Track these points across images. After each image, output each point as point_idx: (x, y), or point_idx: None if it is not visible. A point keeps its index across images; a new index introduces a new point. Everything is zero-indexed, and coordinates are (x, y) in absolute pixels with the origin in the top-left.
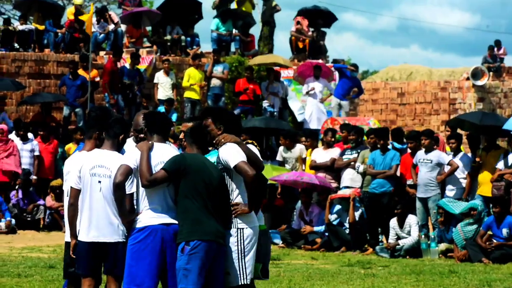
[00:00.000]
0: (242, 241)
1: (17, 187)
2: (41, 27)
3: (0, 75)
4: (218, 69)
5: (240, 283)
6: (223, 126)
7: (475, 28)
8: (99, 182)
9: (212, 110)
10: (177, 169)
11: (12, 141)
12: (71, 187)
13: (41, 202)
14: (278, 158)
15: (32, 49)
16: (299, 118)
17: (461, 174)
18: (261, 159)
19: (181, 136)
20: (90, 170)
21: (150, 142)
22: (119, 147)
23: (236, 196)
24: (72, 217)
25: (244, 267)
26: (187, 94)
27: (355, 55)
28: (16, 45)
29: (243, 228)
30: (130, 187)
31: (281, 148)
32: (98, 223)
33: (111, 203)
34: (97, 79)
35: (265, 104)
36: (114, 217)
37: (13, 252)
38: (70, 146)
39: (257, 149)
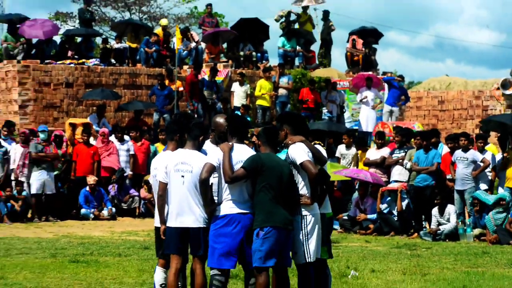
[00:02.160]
0: (305, 226)
1: (113, 182)
2: (134, 45)
3: (99, 86)
4: (284, 80)
5: (305, 261)
6: (293, 128)
7: (502, 45)
8: (182, 176)
9: (285, 116)
10: (254, 167)
11: (112, 142)
12: (159, 181)
13: (136, 193)
14: (337, 154)
15: (126, 64)
16: (347, 125)
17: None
18: (326, 156)
19: (254, 138)
20: (175, 166)
21: (230, 143)
22: (199, 147)
23: (302, 188)
24: (161, 206)
25: (308, 247)
26: (259, 102)
27: (400, 68)
28: (113, 60)
29: (306, 215)
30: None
31: (340, 146)
32: (182, 211)
33: (193, 194)
34: (181, 89)
35: (324, 110)
36: (196, 206)
37: (114, 236)
38: (158, 145)
39: (323, 148)
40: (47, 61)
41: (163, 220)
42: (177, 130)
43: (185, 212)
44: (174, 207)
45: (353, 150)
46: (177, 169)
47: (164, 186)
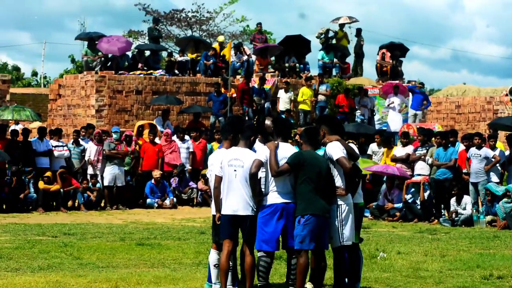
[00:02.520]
0: (340, 214)
1: (174, 176)
2: (193, 56)
3: (165, 93)
4: (323, 88)
5: (340, 245)
6: (330, 129)
7: (509, 57)
8: (235, 171)
9: (323, 118)
10: (296, 163)
11: (174, 141)
12: (215, 174)
13: (194, 185)
14: (369, 152)
15: (188, 74)
16: (377, 127)
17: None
18: (358, 153)
19: (297, 137)
20: (229, 162)
21: (276, 142)
22: (250, 146)
23: (337, 180)
24: (217, 196)
25: (342, 233)
26: (301, 106)
27: (422, 77)
28: (176, 71)
29: (341, 204)
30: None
31: (372, 145)
32: (235, 201)
33: (245, 186)
34: (234, 95)
35: (357, 113)
36: (247, 197)
37: (174, 222)
38: (214, 144)
39: (355, 146)
40: (121, 72)
41: (219, 209)
42: (230, 131)
43: (238, 202)
44: (227, 197)
45: (383, 148)
46: (231, 164)
47: (219, 179)
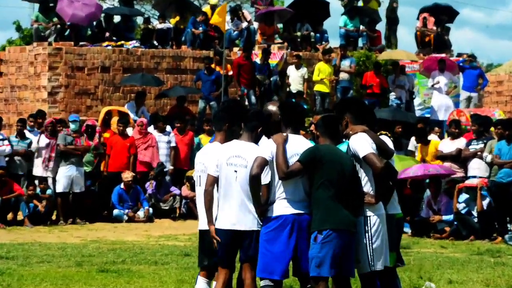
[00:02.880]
0: (369, 228)
1: (151, 179)
2: (174, 21)
3: (139, 71)
4: (346, 63)
5: (369, 270)
6: (355, 116)
7: None
8: (235, 171)
9: (347, 102)
10: (312, 161)
11: (151, 134)
12: (208, 174)
13: (177, 191)
14: (410, 147)
15: (170, 46)
16: (418, 113)
17: None
18: (393, 148)
19: (312, 127)
20: (227, 160)
21: (284, 134)
22: (257, 140)
23: (365, 184)
24: (209, 202)
25: (372, 254)
26: (317, 87)
27: (475, 49)
28: (155, 42)
29: (369, 216)
30: (266, 178)
31: (413, 138)
32: (234, 212)
33: (248, 192)
34: (231, 73)
35: (392, 96)
36: (250, 206)
37: (150, 241)
38: (202, 137)
39: (390, 139)
40: (82, 43)
41: (211, 219)
42: (226, 119)
43: (238, 213)
44: (225, 206)
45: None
46: (230, 163)
47: (213, 180)
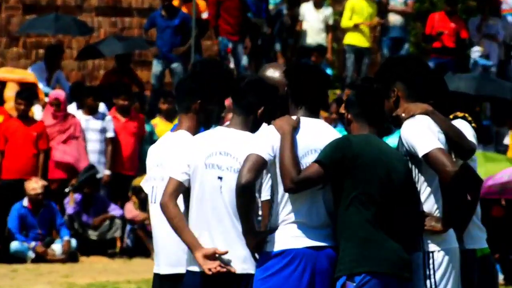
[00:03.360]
0: (432, 270)
1: (68, 190)
2: None
3: (52, 10)
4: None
5: None
6: (410, 88)
7: None
8: (219, 178)
9: (397, 64)
10: (339, 162)
11: (74, 116)
12: (170, 177)
13: (117, 212)
14: (506, 141)
15: None
16: None
17: None
18: (474, 142)
19: (341, 109)
20: (207, 159)
21: (294, 117)
22: (255, 127)
23: (425, 199)
24: (178, 223)
25: None
26: (349, 39)
27: None
28: None
29: (433, 252)
30: (265, 190)
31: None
32: (218, 242)
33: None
34: (205, 15)
35: (475, 53)
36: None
37: None
38: (157, 122)
39: (471, 126)
40: None
41: (194, 243)
42: (198, 93)
43: (223, 244)
44: (202, 233)
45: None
46: (211, 164)
47: (178, 187)
